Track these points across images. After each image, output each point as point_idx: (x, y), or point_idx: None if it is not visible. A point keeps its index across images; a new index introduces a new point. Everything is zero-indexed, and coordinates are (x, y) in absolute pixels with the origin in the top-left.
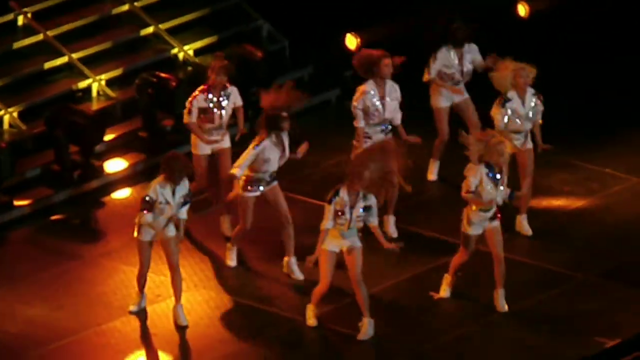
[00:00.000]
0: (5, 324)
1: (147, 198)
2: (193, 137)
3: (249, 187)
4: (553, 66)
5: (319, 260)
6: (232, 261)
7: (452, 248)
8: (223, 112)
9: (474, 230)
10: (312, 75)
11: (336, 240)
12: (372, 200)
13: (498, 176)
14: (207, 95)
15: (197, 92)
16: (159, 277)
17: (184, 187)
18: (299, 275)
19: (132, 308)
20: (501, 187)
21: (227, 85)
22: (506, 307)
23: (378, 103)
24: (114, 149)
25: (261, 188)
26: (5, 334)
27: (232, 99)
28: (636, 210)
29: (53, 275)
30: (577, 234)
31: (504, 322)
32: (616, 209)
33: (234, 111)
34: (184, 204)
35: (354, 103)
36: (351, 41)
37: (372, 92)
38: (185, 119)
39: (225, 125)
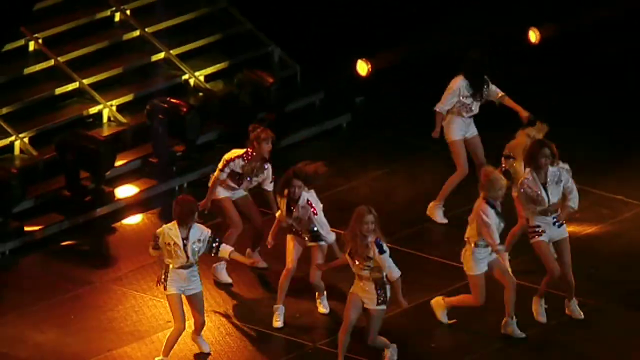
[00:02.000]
0: (15, 349)
1: (155, 234)
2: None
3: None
4: (564, 92)
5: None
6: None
7: (460, 273)
8: (254, 181)
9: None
10: (323, 100)
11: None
12: None
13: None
14: (245, 163)
15: (236, 156)
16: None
17: (197, 230)
18: (325, 309)
19: None
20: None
21: (267, 159)
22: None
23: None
24: (124, 175)
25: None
26: (16, 359)
27: (266, 177)
28: None
29: (63, 300)
30: (589, 260)
31: (514, 349)
32: (627, 235)
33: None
34: (209, 246)
35: None
36: (362, 67)
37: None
38: (216, 174)
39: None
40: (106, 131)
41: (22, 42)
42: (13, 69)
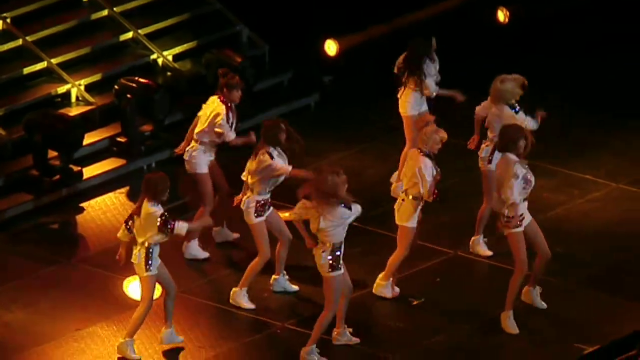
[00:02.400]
0: None
1: (165, 216)
2: (198, 155)
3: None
4: (533, 72)
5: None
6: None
7: (429, 253)
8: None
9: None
10: (292, 80)
11: None
12: None
13: None
14: (229, 114)
15: (224, 109)
16: (138, 282)
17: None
18: (293, 288)
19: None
20: None
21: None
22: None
23: None
24: (93, 155)
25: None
26: None
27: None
28: (616, 216)
29: (31, 280)
30: (557, 240)
31: (482, 329)
32: (596, 215)
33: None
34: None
35: None
36: (330, 47)
37: None
38: (229, 137)
39: None
40: (74, 111)
41: None
42: None
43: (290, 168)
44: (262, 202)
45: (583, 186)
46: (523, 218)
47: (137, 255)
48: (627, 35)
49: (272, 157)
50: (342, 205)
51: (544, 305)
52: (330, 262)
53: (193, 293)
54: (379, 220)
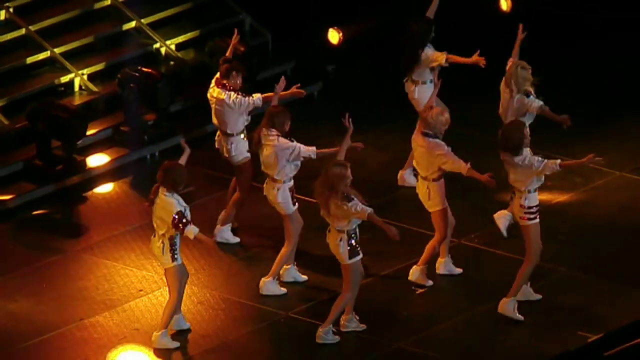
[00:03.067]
0: None
1: (182, 213)
2: (240, 143)
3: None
4: (535, 61)
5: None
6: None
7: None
8: None
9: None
10: (295, 69)
11: None
12: None
13: None
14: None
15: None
16: (141, 272)
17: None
18: (302, 278)
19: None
20: None
21: None
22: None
23: None
24: (96, 144)
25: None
26: None
27: None
28: (619, 204)
29: (35, 269)
30: (560, 227)
31: (486, 317)
32: (599, 203)
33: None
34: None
35: None
36: (333, 36)
37: None
38: (258, 102)
39: None
40: (77, 100)
41: None
42: None
43: (314, 148)
44: (292, 188)
45: (586, 174)
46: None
47: (161, 246)
48: (630, 22)
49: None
50: (345, 197)
51: (538, 296)
52: (349, 249)
53: (196, 283)
54: (384, 208)
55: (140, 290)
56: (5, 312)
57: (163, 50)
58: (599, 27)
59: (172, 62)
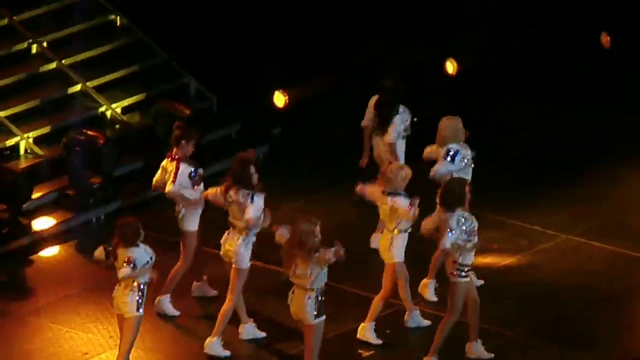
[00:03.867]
0: None
1: (132, 259)
2: (189, 213)
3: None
4: (479, 124)
5: None
6: None
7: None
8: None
9: None
10: (240, 132)
11: None
12: None
13: None
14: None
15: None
16: (87, 335)
17: (143, 247)
18: (260, 334)
19: None
20: None
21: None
22: None
23: None
24: (41, 207)
25: None
26: None
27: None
28: (565, 267)
29: None
30: (507, 291)
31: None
32: (545, 266)
33: None
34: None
35: None
36: (279, 98)
37: None
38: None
39: None
40: (23, 163)
41: None
42: None
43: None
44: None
45: (532, 237)
46: (469, 270)
47: (129, 294)
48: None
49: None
50: (315, 252)
51: (490, 355)
52: (316, 308)
53: (141, 347)
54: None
55: (86, 354)
56: None
57: (109, 113)
58: (548, 85)
59: (117, 126)
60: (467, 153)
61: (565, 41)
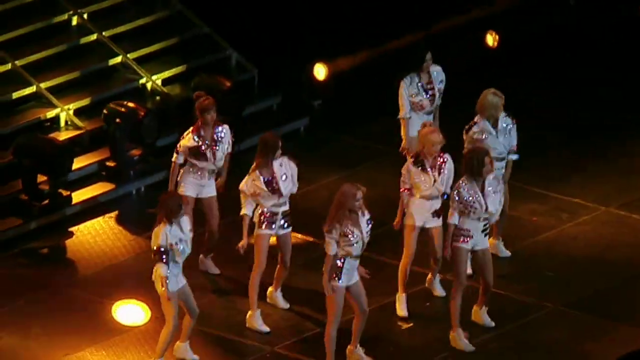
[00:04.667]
0: None
1: (161, 249)
2: (180, 176)
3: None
4: (521, 95)
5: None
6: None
7: (421, 278)
8: (218, 150)
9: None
10: (281, 104)
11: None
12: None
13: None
14: (197, 134)
15: (186, 134)
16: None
17: (187, 220)
18: (285, 304)
19: None
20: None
21: (218, 122)
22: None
23: None
24: (82, 179)
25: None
26: None
27: (224, 140)
28: (605, 239)
29: (21, 305)
30: (546, 263)
31: (474, 353)
32: (586, 238)
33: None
34: None
35: None
36: (320, 71)
37: None
38: (173, 159)
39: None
40: (63, 135)
41: None
42: None
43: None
44: (269, 213)
45: (572, 210)
46: (471, 235)
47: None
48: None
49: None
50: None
51: (492, 323)
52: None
53: (180, 317)
54: (372, 244)
55: (125, 326)
56: None
57: (149, 85)
58: (587, 60)
59: (158, 97)
60: (490, 129)
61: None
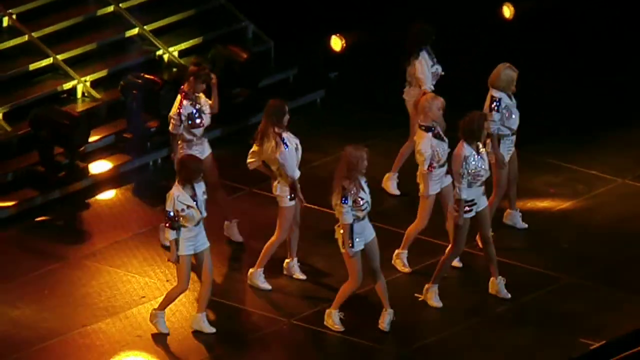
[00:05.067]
0: None
1: (169, 213)
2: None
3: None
4: (538, 69)
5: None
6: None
7: (438, 249)
8: (206, 116)
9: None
10: (297, 76)
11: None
12: None
13: None
14: (183, 103)
15: (179, 103)
16: (143, 279)
17: (201, 185)
18: (301, 275)
19: (163, 330)
20: None
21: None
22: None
23: None
24: (99, 151)
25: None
26: None
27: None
28: (622, 211)
29: (37, 276)
30: (563, 235)
31: (490, 324)
32: (602, 210)
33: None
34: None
35: None
36: (336, 43)
37: None
38: (171, 129)
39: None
40: (80, 107)
41: None
42: None
43: (296, 175)
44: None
45: (589, 182)
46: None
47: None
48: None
49: (285, 145)
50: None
51: (507, 295)
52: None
53: (197, 290)
54: (385, 215)
55: (143, 297)
56: (7, 319)
57: (166, 57)
58: (603, 33)
59: (174, 69)
60: (511, 102)
61: None
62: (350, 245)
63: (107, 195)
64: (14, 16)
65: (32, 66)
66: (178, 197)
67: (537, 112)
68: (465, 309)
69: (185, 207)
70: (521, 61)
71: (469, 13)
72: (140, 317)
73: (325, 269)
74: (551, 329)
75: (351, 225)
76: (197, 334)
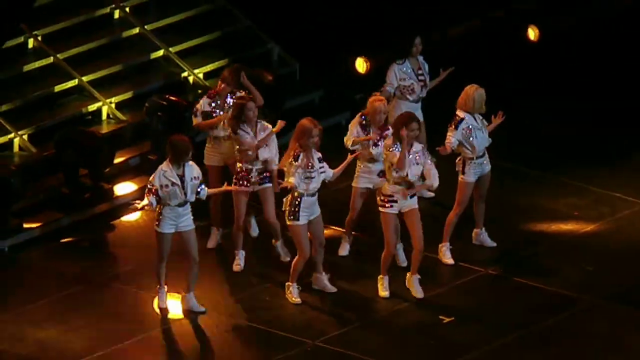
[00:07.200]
0: (16, 347)
1: (149, 185)
2: (206, 149)
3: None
4: (562, 91)
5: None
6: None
7: (450, 269)
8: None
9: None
10: (323, 98)
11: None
12: None
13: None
14: (212, 100)
15: (201, 99)
16: (169, 300)
17: (193, 168)
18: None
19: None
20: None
21: (236, 91)
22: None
23: None
24: (123, 172)
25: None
26: (16, 356)
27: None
28: None
29: (63, 298)
30: (587, 257)
31: (513, 345)
32: (626, 233)
33: None
34: (199, 186)
35: None
36: (361, 65)
37: None
38: (193, 122)
39: None
40: (105, 128)
41: (21, 39)
42: (12, 66)
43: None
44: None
45: (613, 204)
46: (395, 200)
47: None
48: None
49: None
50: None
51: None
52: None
53: (222, 311)
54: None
55: (167, 318)
56: (33, 340)
57: (191, 78)
58: (628, 55)
59: (199, 91)
60: (476, 124)
61: None
62: (295, 218)
63: (132, 216)
64: (39, 38)
65: (57, 88)
66: (165, 172)
67: (561, 135)
68: (488, 331)
69: (169, 183)
70: (547, 83)
71: (495, 35)
72: (164, 338)
73: (350, 289)
74: (574, 351)
75: (299, 199)
76: (222, 354)
